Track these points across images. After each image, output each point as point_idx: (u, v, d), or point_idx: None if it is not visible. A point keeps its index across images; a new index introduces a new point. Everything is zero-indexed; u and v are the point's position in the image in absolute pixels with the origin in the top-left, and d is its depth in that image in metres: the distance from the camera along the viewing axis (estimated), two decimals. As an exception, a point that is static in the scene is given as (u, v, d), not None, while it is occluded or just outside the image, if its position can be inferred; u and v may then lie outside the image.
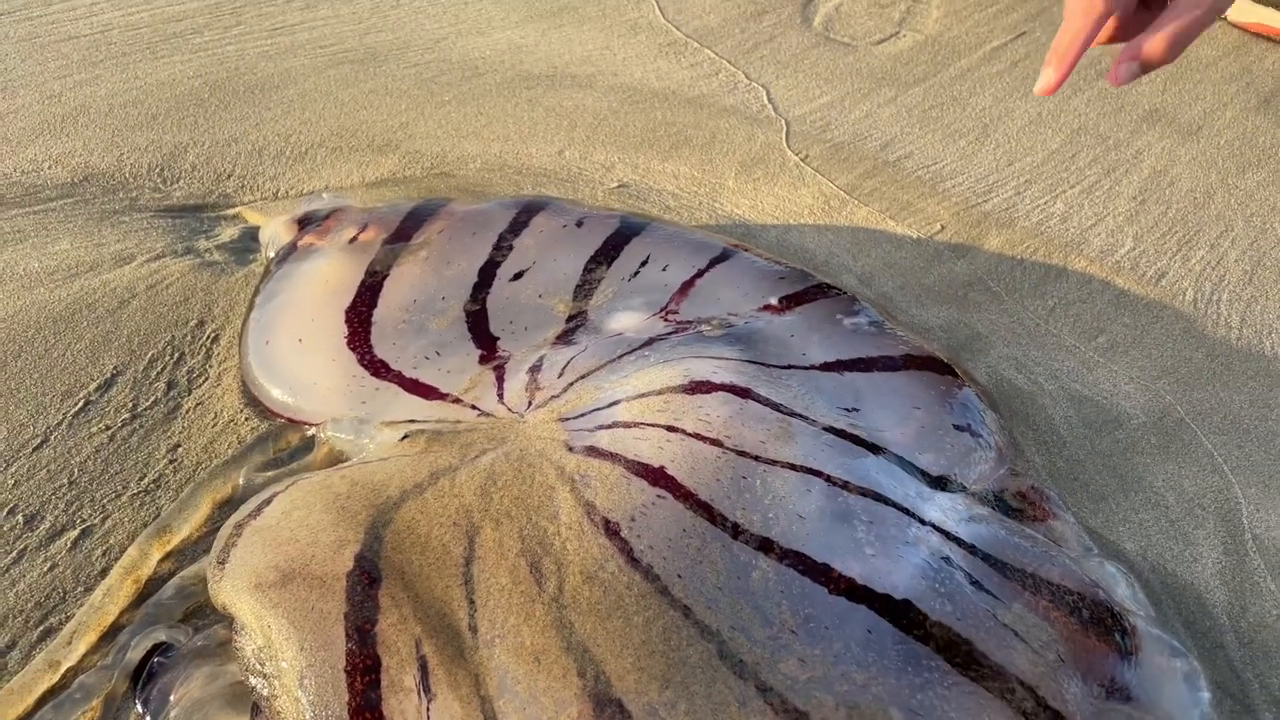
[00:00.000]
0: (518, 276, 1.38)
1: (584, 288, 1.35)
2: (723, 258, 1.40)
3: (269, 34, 2.28)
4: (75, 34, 2.28)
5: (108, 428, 1.29)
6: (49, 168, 1.85)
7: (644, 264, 1.39)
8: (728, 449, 1.04)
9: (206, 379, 1.37)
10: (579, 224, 1.46)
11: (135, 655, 1.02)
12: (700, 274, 1.37)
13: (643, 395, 1.10)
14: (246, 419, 1.29)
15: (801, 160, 1.77)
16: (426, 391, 1.21)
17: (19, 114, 2.00)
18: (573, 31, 2.26)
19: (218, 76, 2.11)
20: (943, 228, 1.60)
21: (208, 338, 1.43)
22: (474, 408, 1.18)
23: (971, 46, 2.12)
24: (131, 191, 1.79)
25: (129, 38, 2.27)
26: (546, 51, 2.17)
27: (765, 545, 0.96)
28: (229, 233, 1.68)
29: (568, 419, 1.11)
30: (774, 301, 1.32)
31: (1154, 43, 1.07)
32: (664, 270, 1.38)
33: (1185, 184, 1.68)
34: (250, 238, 1.67)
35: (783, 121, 1.89)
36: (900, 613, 0.94)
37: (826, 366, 1.22)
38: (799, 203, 1.67)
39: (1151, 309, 1.43)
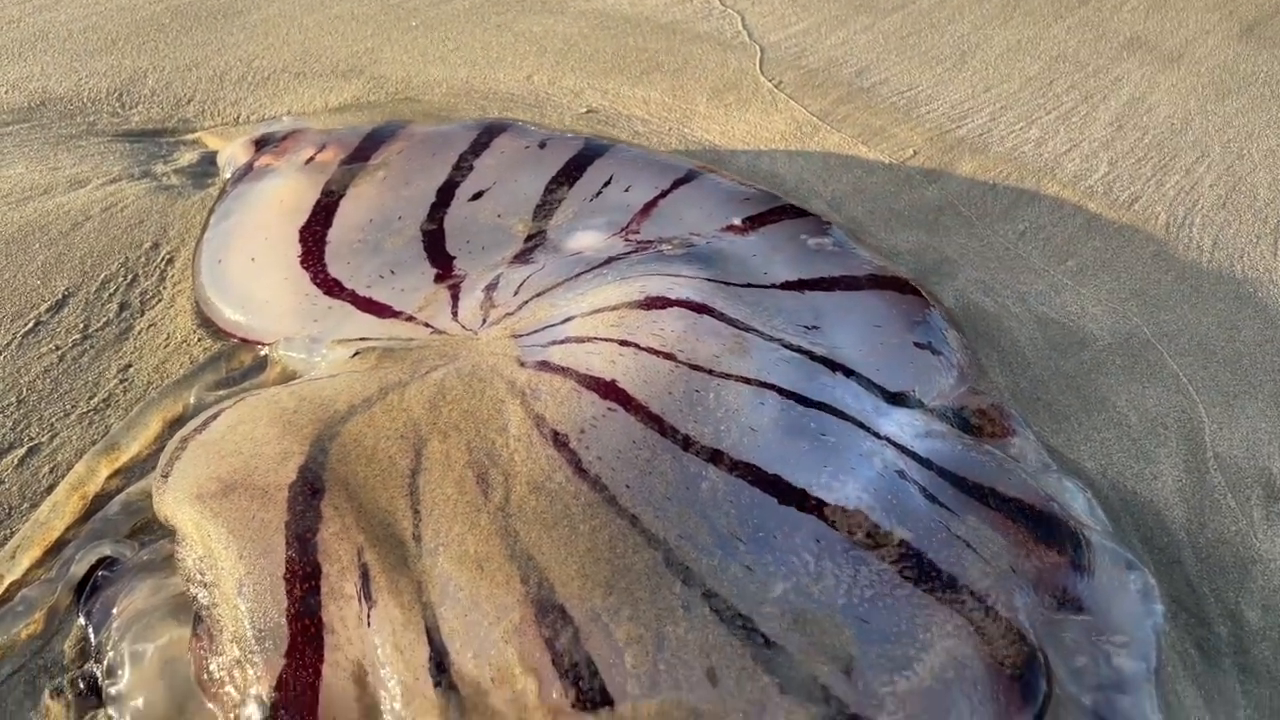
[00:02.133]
0: (477, 196, 1.35)
1: (544, 208, 1.33)
2: (687, 179, 1.38)
3: (234, -41, 2.22)
4: (34, -41, 2.21)
5: (58, 348, 1.27)
6: (4, 93, 1.80)
7: (606, 184, 1.36)
8: (681, 363, 1.02)
9: (160, 300, 1.34)
10: (541, 145, 1.43)
11: (79, 569, 1.01)
12: (663, 194, 1.34)
13: (598, 311, 1.08)
14: (199, 340, 1.27)
15: (775, 86, 1.73)
16: (380, 310, 1.19)
17: (-25, 39, 1.95)
18: (546, -42, 2.20)
19: (179, 1, 2.06)
20: (915, 153, 1.57)
21: (162, 260, 1.40)
22: (427, 325, 1.15)
23: (952, -26, 2.07)
24: (89, 116, 1.75)
25: (89, -38, 2.21)
26: (518, -23, 2.12)
27: (716, 457, 0.95)
28: (187, 157, 1.64)
29: (521, 335, 1.09)
30: (737, 222, 1.30)
31: None
32: (626, 191, 1.35)
33: (1164, 111, 1.65)
34: (209, 162, 1.63)
35: (757, 48, 1.85)
36: (851, 523, 0.92)
37: (788, 285, 1.20)
38: (771, 129, 1.64)
39: (1123, 233, 1.41)
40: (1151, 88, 1.71)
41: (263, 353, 1.23)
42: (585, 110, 1.70)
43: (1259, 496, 1.07)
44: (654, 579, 0.86)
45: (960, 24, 1.90)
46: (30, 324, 1.30)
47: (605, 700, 0.80)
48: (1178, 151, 1.56)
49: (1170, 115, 1.64)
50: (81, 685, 0.93)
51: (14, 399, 1.20)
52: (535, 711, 0.80)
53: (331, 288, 1.22)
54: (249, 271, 1.27)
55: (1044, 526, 0.97)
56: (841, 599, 0.88)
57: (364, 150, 1.43)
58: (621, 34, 1.89)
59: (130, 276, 1.38)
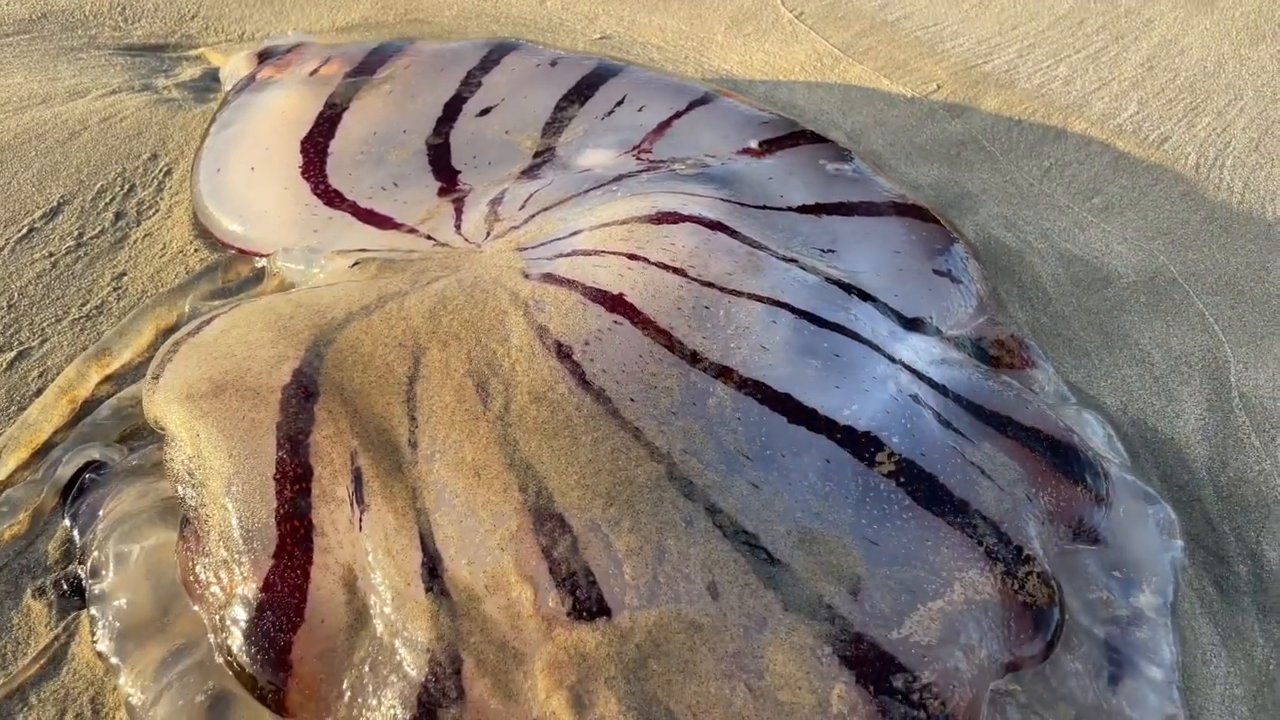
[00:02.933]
0: (485, 112, 1.30)
1: (554, 125, 1.28)
2: (703, 100, 1.33)
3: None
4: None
5: (51, 254, 1.24)
6: (6, 3, 1.76)
7: (619, 104, 1.32)
8: (691, 279, 0.98)
9: (157, 211, 1.30)
10: (553, 64, 1.39)
11: (66, 471, 0.98)
12: (678, 115, 1.30)
13: (606, 225, 1.05)
14: (196, 250, 1.24)
15: (796, 17, 1.68)
16: (381, 221, 1.15)
17: (-24, -51, 1.90)
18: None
19: (186, -83, 2.00)
20: (939, 87, 1.52)
21: (160, 171, 1.37)
22: (429, 238, 1.12)
23: (983, -89, 2.00)
24: (91, 29, 1.70)
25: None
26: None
27: (724, 373, 0.91)
28: (190, 72, 1.60)
29: (526, 249, 1.05)
30: (754, 145, 1.25)
31: None
32: (640, 110, 1.31)
33: (1196, 53, 1.60)
34: (212, 78, 1.59)
35: (779, -22, 1.79)
36: (861, 445, 0.89)
37: (804, 209, 1.16)
38: (790, 59, 1.59)
39: (1151, 172, 1.37)
40: (1184, 30, 1.65)
41: (260, 264, 1.19)
42: (599, 36, 1.65)
43: (1283, 435, 1.04)
44: (656, 492, 0.83)
45: (989, -39, 1.84)
46: (24, 230, 1.27)
47: (602, 610, 0.77)
48: (1210, 94, 1.51)
49: (1203, 58, 1.59)
50: (65, 586, 0.91)
51: (4, 303, 1.17)
52: (530, 620, 0.77)
53: (332, 199, 1.19)
54: (248, 181, 1.23)
55: (1061, 456, 0.94)
56: (850, 520, 0.85)
57: (369, 64, 1.39)
58: (639, -38, 1.83)
59: (127, 187, 1.34)
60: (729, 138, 1.26)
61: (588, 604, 0.77)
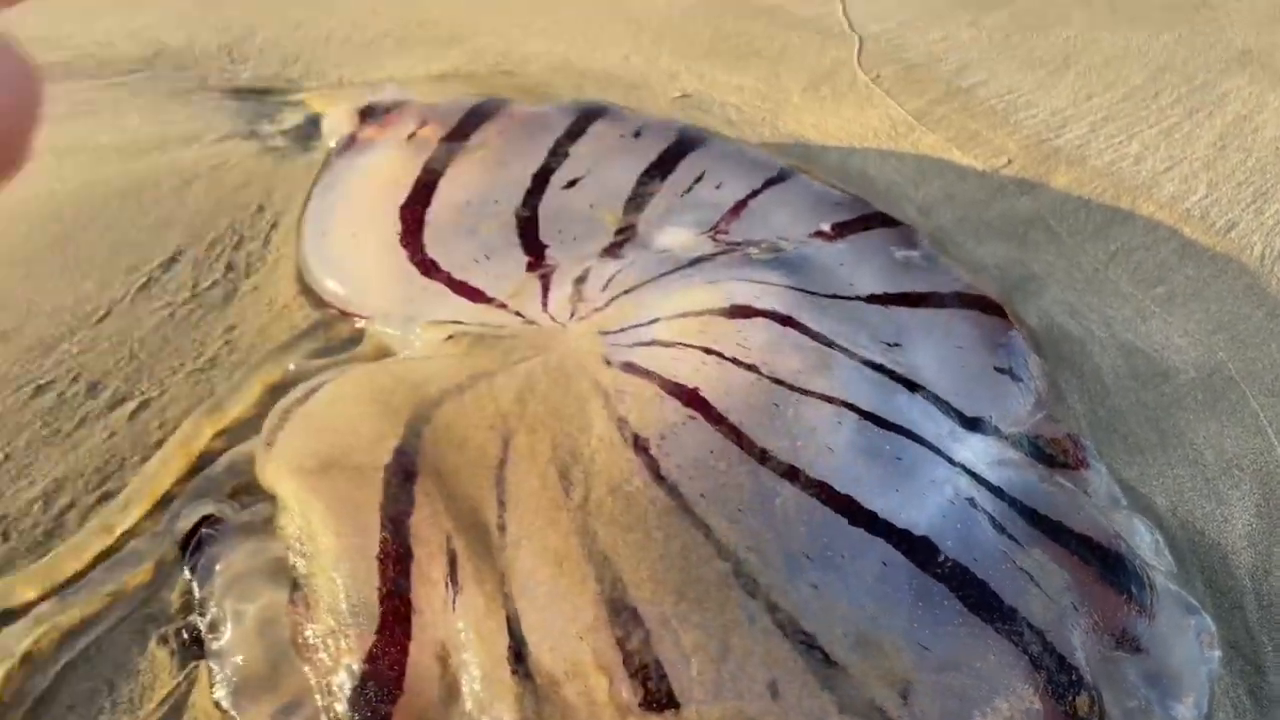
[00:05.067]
0: (571, 184, 1.38)
1: (635, 200, 1.35)
2: (779, 179, 1.39)
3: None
4: (152, -97, 2.27)
5: (168, 305, 1.34)
6: (121, 42, 1.87)
7: (698, 180, 1.38)
8: (763, 376, 1.05)
9: (264, 264, 1.40)
10: (636, 134, 1.45)
11: (185, 524, 1.08)
12: (754, 194, 1.36)
13: (683, 315, 1.11)
14: (300, 306, 1.33)
15: (872, 81, 1.72)
16: (473, 294, 1.23)
17: (95, -17, 2.02)
18: (649, -72, 2.19)
19: (290, -45, 2.10)
20: (1009, 161, 1.56)
21: (267, 223, 1.46)
22: (518, 314, 1.19)
23: (1063, -31, 2.02)
24: (201, 70, 1.81)
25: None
26: (620, -52, 2.12)
27: (791, 473, 0.98)
28: (292, 119, 1.70)
29: (608, 333, 1.12)
30: (826, 228, 1.31)
31: None
32: (718, 188, 1.37)
33: (1270, 131, 1.61)
34: (313, 125, 1.68)
35: (856, 38, 1.84)
36: (917, 549, 0.95)
37: (873, 298, 1.21)
38: (864, 125, 1.63)
39: (1216, 261, 1.39)
40: (1259, 106, 1.66)
41: (359, 325, 1.28)
42: (680, 94, 1.71)
43: (1329, 549, 1.08)
44: (723, 590, 0.90)
45: (1066, 26, 1.86)
46: (144, 279, 1.37)
47: (671, 703, 0.84)
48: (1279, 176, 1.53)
49: (1276, 137, 1.60)
50: (185, 635, 1.01)
51: (127, 353, 1.27)
52: (605, 708, 0.85)
53: (428, 268, 1.27)
54: (350, 246, 1.32)
55: (1109, 566, 0.99)
56: (903, 624, 0.91)
57: (464, 128, 1.46)
58: (721, 15, 1.89)
59: (237, 238, 1.44)
60: (802, 219, 1.32)
61: (658, 696, 0.85)
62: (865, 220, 1.32)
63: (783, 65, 1.75)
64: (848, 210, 1.34)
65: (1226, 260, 1.40)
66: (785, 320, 1.11)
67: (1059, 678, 0.91)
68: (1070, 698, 0.90)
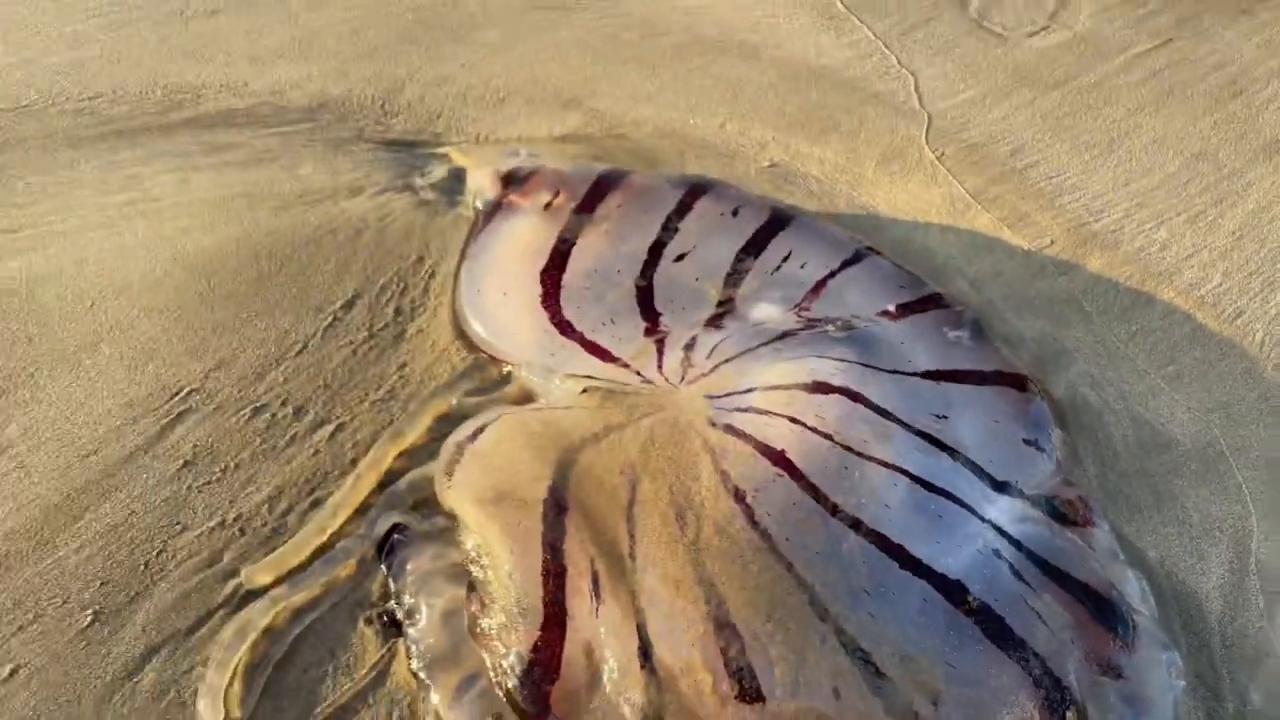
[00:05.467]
0: (680, 258, 1.64)
1: (733, 276, 1.61)
2: (854, 260, 1.64)
3: (472, -32, 2.51)
4: (306, -48, 2.54)
5: (351, 343, 1.63)
6: (291, 91, 2.15)
7: (786, 259, 1.64)
8: (836, 443, 1.31)
9: (425, 310, 1.68)
10: (735, 213, 1.71)
11: (380, 529, 1.38)
12: (832, 275, 1.61)
13: (774, 387, 1.38)
14: (457, 350, 1.61)
15: (937, 158, 1.96)
16: (602, 354, 1.51)
17: (263, 32, 2.31)
18: (744, -8, 2.42)
19: (431, 10, 2.37)
20: (1052, 242, 1.79)
21: (425, 273, 1.74)
22: (639, 374, 1.47)
23: (1115, 50, 2.22)
24: (359, 122, 2.09)
25: (352, -38, 2.52)
26: (719, 14, 2.36)
27: (856, 524, 1.25)
28: (439, 172, 1.97)
29: (713, 397, 1.39)
30: (891, 308, 1.56)
31: None
32: (802, 268, 1.62)
33: (1286, 223, 1.82)
34: (456, 178, 1.95)
35: (926, 115, 2.06)
36: (951, 589, 1.22)
37: (927, 374, 1.47)
38: (928, 201, 1.87)
39: (1222, 346, 1.62)
40: (1277, 196, 1.87)
41: (507, 370, 1.56)
42: (769, 164, 1.96)
43: (1286, 603, 1.32)
44: (802, 614, 1.18)
45: (1115, 107, 2.07)
46: (330, 319, 1.66)
47: (759, 698, 1.12)
48: (1289, 269, 1.74)
49: (1291, 229, 1.81)
50: (385, 618, 1.31)
51: (322, 383, 1.57)
52: (709, 698, 1.13)
53: (564, 328, 1.55)
54: (500, 303, 1.60)
55: (1102, 610, 1.25)
56: (937, 647, 1.18)
57: (591, 199, 1.73)
58: (806, 87, 2.12)
59: (402, 286, 1.72)
60: (871, 299, 1.57)
61: (750, 692, 1.13)
62: (923, 302, 1.57)
63: (860, 139, 1.99)
64: (909, 292, 1.59)
65: (1230, 345, 1.63)
66: (855, 396, 1.37)
67: (1055, 695, 1.17)
68: (1063, 711, 1.17)
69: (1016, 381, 1.48)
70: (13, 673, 1.24)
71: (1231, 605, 1.33)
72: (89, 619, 1.29)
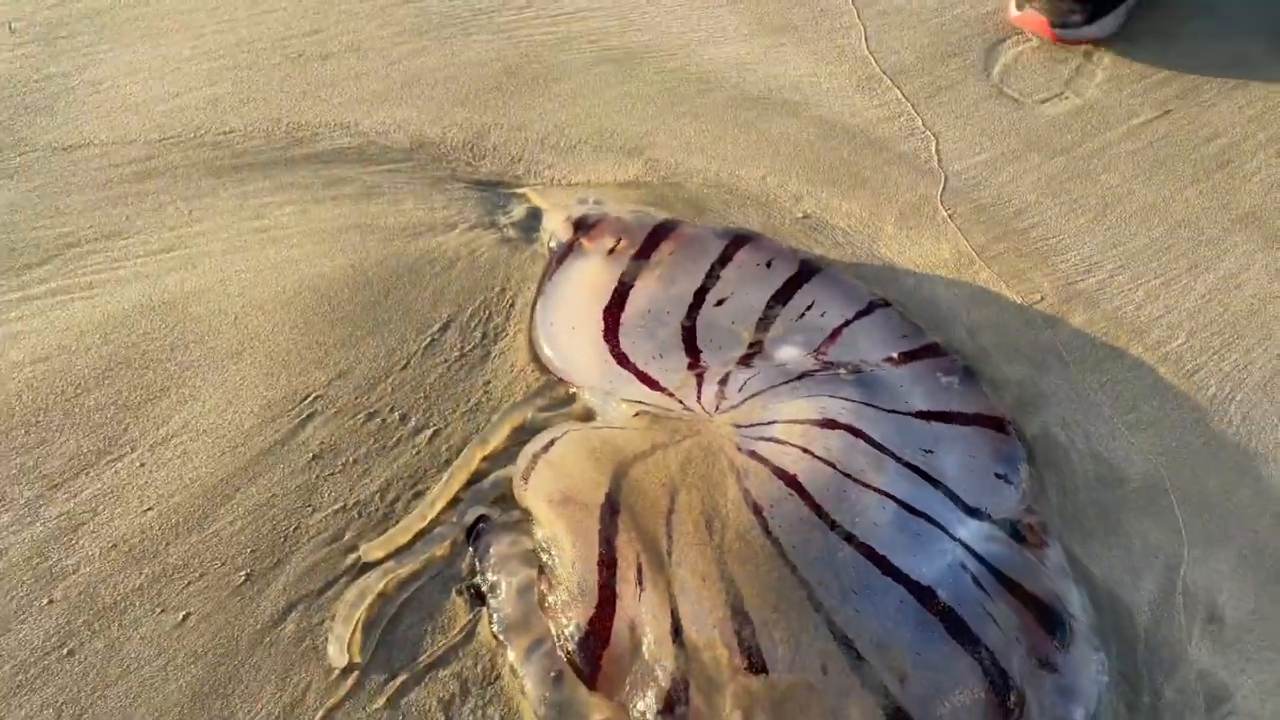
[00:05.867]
0: (719, 303, 1.93)
1: (763, 321, 1.90)
2: (867, 310, 1.92)
3: (551, 20, 2.80)
4: None
5: (445, 361, 1.94)
6: (394, 132, 2.47)
7: (809, 308, 1.92)
8: (839, 471, 1.60)
9: (506, 335, 1.99)
10: (769, 264, 1.99)
11: (468, 519, 1.70)
12: (847, 324, 1.90)
13: (791, 421, 1.67)
14: (531, 371, 1.92)
15: (949, 216, 2.22)
16: (651, 383, 1.81)
17: (369, 76, 2.62)
18: (790, 52, 2.69)
19: (513, 61, 2.66)
20: (1042, 298, 2.05)
21: (507, 302, 2.05)
22: (681, 402, 1.76)
23: (1120, 119, 2.46)
24: (451, 163, 2.40)
25: (446, 10, 2.83)
26: (766, 72, 2.63)
27: (849, 538, 1.54)
28: (518, 211, 2.27)
29: (740, 426, 1.69)
30: (894, 355, 1.84)
31: None
32: (822, 316, 1.91)
33: (1249, 289, 2.06)
34: (533, 217, 2.25)
35: (943, 175, 2.32)
36: (923, 594, 1.50)
37: (920, 414, 1.75)
38: (938, 256, 2.14)
39: (1177, 398, 1.88)
40: (1246, 265, 2.11)
41: (571, 391, 1.87)
42: (801, 215, 2.23)
43: (1201, 619, 1.59)
44: (800, 607, 1.47)
45: (1111, 174, 2.31)
46: (428, 340, 1.98)
47: (763, 670, 1.42)
48: (1244, 332, 1.98)
49: (1252, 295, 2.05)
50: (472, 592, 1.62)
51: (422, 395, 1.89)
52: (725, 668, 1.43)
53: (621, 359, 1.85)
54: (568, 336, 1.91)
55: (1045, 616, 1.53)
56: (908, 639, 1.47)
57: (647, 247, 2.02)
58: (840, 144, 2.39)
59: (487, 313, 2.03)
60: (879, 347, 1.85)
61: (757, 665, 1.43)
62: (922, 350, 1.85)
63: (883, 196, 2.26)
64: (910, 341, 1.86)
65: (1185, 398, 1.88)
66: (857, 432, 1.66)
67: (1000, 682, 1.46)
68: (1006, 695, 1.45)
69: (995, 423, 1.76)
70: (185, 618, 1.58)
71: (1157, 618, 1.60)
72: (242, 578, 1.62)
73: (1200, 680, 1.54)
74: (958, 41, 2.71)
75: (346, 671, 1.53)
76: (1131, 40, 2.67)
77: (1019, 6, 2.66)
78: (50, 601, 1.59)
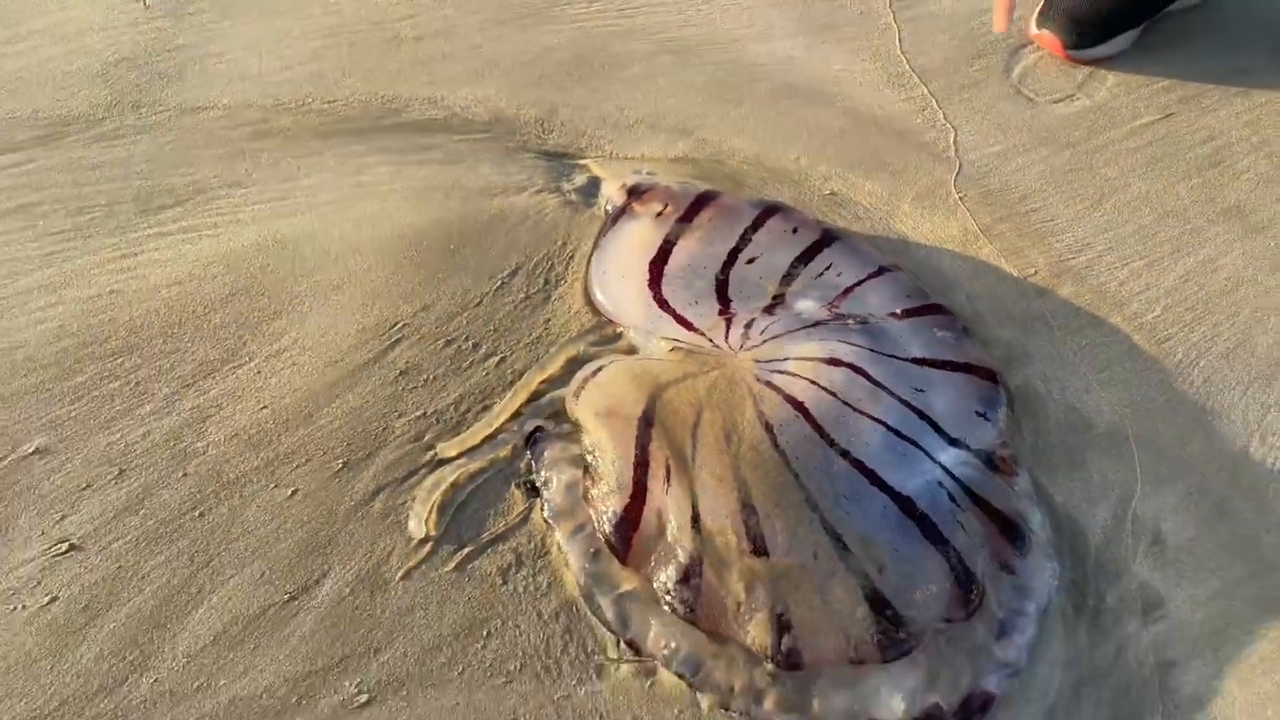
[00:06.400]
0: (750, 261, 2.21)
1: (787, 278, 2.18)
2: (878, 273, 2.18)
3: (618, 14, 3.09)
4: (489, -9, 3.16)
5: (513, 301, 2.25)
6: (475, 107, 2.78)
7: (827, 268, 2.19)
8: (839, 399, 1.87)
9: (565, 282, 2.29)
10: (794, 231, 2.27)
11: (528, 428, 2.00)
12: (860, 283, 2.16)
13: (802, 359, 1.95)
14: (586, 313, 2.21)
15: (960, 199, 2.47)
16: (687, 325, 2.09)
17: (455, 58, 2.94)
18: (830, 49, 2.96)
19: (584, 49, 2.96)
20: (1036, 272, 2.30)
21: (568, 254, 2.35)
22: (711, 341, 2.05)
23: (1125, 120, 2.68)
24: (523, 136, 2.70)
25: (526, 1, 3.13)
26: (807, 66, 2.90)
27: (845, 454, 1.81)
28: (580, 179, 2.57)
29: (760, 361, 1.97)
30: (898, 310, 2.10)
31: None
32: (838, 276, 2.18)
33: (1225, 273, 2.28)
34: (593, 185, 2.54)
35: (958, 163, 2.57)
36: (903, 502, 1.77)
37: (916, 360, 2.01)
38: (947, 232, 2.40)
39: (1147, 361, 2.12)
40: (1225, 251, 2.33)
41: (618, 330, 2.16)
42: (829, 192, 2.50)
43: (1146, 541, 1.84)
44: (799, 506, 1.75)
45: (1111, 168, 2.54)
46: (499, 283, 2.28)
47: (765, 553, 1.70)
48: (1216, 309, 2.21)
49: (1228, 277, 2.28)
50: (528, 486, 1.93)
51: (493, 328, 2.19)
52: (734, 550, 1.71)
53: (663, 304, 2.13)
54: (618, 283, 2.20)
55: (1008, 528, 1.79)
56: (888, 538, 1.74)
57: (690, 212, 2.31)
58: (868, 133, 2.65)
59: (550, 263, 2.33)
60: (885, 303, 2.12)
61: (760, 548, 1.71)
62: (923, 309, 2.11)
63: (902, 179, 2.51)
64: (914, 300, 2.12)
65: (1153, 361, 2.12)
66: (859, 370, 1.93)
67: (965, 578, 1.72)
68: (969, 587, 1.72)
69: (983, 372, 2.02)
70: (293, 493, 1.90)
71: (1107, 539, 1.85)
72: (340, 465, 1.94)
73: (1140, 590, 1.79)
74: (983, 46, 2.94)
75: (423, 542, 1.84)
76: (1143, 50, 2.89)
77: (1038, 25, 2.89)
78: (184, 475, 1.93)
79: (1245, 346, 2.14)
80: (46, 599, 1.74)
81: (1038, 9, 2.92)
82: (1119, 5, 2.80)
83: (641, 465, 1.81)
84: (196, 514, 1.87)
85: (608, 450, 1.85)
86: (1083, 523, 1.86)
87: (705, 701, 1.64)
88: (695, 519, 1.74)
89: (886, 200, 2.47)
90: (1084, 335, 2.17)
